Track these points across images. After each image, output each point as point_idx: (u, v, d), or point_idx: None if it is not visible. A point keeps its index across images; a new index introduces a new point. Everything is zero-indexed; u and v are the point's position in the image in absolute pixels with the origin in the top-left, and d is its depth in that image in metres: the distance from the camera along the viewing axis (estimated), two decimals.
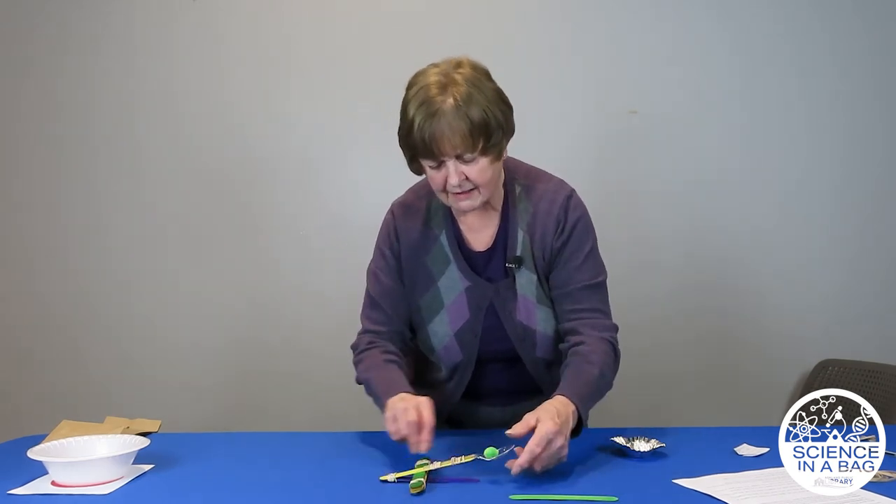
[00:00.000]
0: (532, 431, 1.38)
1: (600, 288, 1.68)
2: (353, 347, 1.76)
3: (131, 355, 2.94)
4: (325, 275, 2.87)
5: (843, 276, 2.78)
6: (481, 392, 1.79)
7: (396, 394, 1.55)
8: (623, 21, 2.78)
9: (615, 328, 1.68)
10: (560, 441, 1.39)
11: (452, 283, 1.70)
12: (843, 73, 2.75)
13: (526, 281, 1.68)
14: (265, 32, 2.85)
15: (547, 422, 1.38)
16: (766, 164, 2.78)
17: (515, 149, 1.72)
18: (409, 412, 1.47)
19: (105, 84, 2.91)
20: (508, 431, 1.41)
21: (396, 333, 1.74)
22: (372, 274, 1.76)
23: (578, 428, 1.51)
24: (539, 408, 1.44)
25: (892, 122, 2.76)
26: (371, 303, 1.76)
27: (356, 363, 1.73)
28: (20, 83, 2.94)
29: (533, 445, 1.37)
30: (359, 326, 1.78)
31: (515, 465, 1.38)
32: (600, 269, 1.70)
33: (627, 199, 2.80)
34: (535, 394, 1.72)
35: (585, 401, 1.52)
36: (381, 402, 1.58)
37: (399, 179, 1.76)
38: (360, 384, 1.70)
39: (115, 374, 2.93)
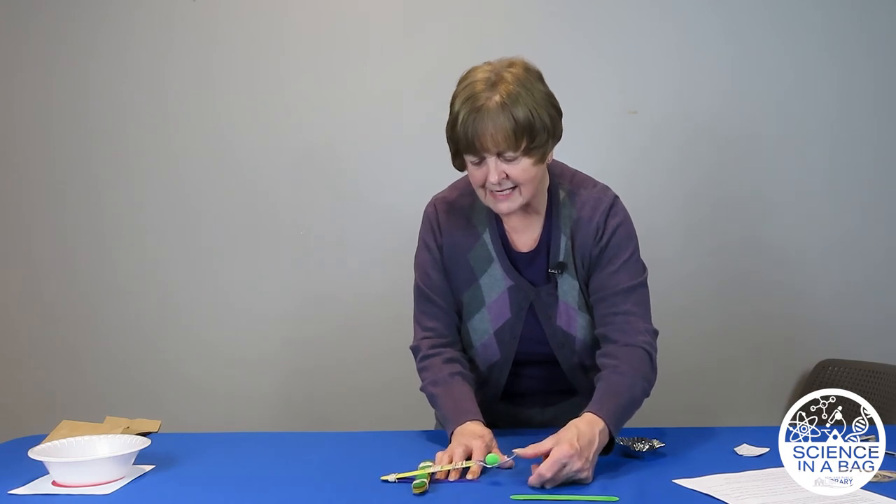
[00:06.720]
0: (548, 454, 1.36)
1: (636, 290, 1.65)
2: (414, 350, 1.75)
3: (131, 355, 2.93)
4: (325, 273, 2.87)
5: (843, 276, 2.78)
6: (517, 393, 1.79)
7: (462, 422, 1.56)
8: (623, 21, 2.78)
9: (651, 331, 1.63)
10: (578, 463, 1.36)
11: (494, 282, 1.69)
12: (843, 72, 2.74)
13: (568, 287, 1.67)
14: (266, 32, 2.85)
15: (563, 445, 1.36)
16: (764, 163, 2.78)
17: None
18: (463, 458, 1.47)
19: (103, 82, 2.90)
20: (517, 451, 1.40)
21: (453, 326, 1.73)
22: (420, 267, 1.75)
23: (611, 444, 1.48)
24: (563, 429, 1.42)
25: (888, 121, 2.75)
26: (424, 296, 1.74)
27: (420, 370, 1.72)
28: (21, 83, 2.93)
29: (543, 469, 1.35)
30: (405, 322, 1.78)
31: (529, 480, 1.37)
32: (639, 272, 1.67)
33: (626, 198, 2.76)
34: (571, 394, 1.74)
35: (615, 415, 1.48)
36: (447, 427, 1.60)
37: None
38: (422, 391, 1.70)
39: (115, 375, 2.93)
